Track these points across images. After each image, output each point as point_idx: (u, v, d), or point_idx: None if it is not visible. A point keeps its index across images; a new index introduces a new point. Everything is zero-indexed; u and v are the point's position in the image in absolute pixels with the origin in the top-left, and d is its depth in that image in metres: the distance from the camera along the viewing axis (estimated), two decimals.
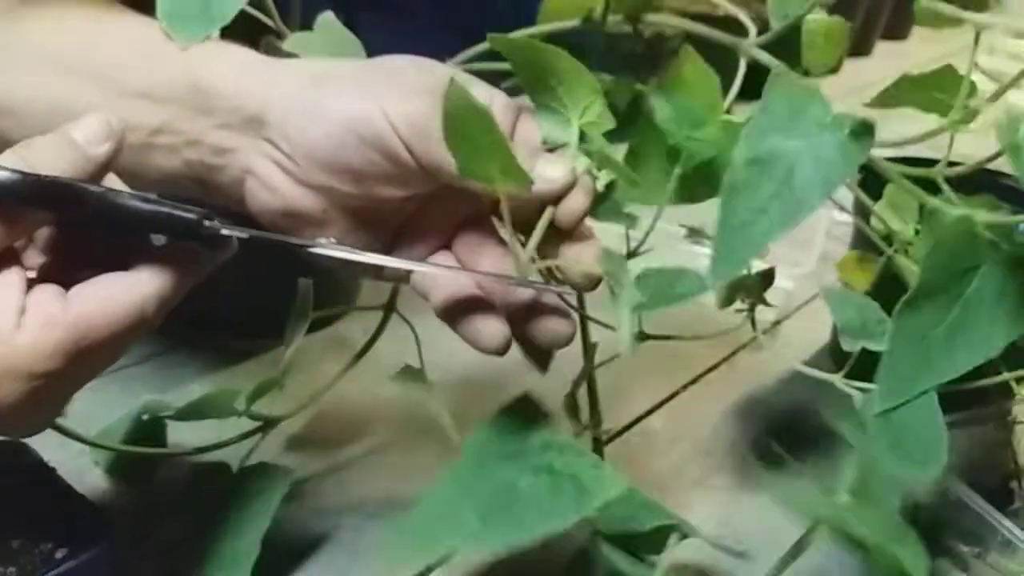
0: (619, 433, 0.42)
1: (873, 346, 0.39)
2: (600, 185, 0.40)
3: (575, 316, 0.38)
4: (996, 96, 0.41)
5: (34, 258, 0.33)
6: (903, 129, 0.43)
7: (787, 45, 0.47)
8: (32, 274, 0.32)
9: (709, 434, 0.55)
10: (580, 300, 0.41)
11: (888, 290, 0.44)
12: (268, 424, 0.43)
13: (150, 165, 0.38)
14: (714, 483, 0.52)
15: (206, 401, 0.42)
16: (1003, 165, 0.45)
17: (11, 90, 0.39)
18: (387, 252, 0.38)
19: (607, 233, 0.40)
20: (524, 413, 0.38)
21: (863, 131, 0.36)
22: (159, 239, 0.33)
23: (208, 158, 0.37)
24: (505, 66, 0.51)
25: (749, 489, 0.51)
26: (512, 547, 0.37)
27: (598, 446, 0.40)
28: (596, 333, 0.43)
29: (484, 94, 0.36)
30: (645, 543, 0.40)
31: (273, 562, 0.40)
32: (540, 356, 0.43)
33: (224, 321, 0.59)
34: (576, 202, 0.35)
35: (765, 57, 0.46)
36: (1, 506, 0.35)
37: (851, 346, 0.40)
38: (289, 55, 0.46)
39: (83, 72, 0.39)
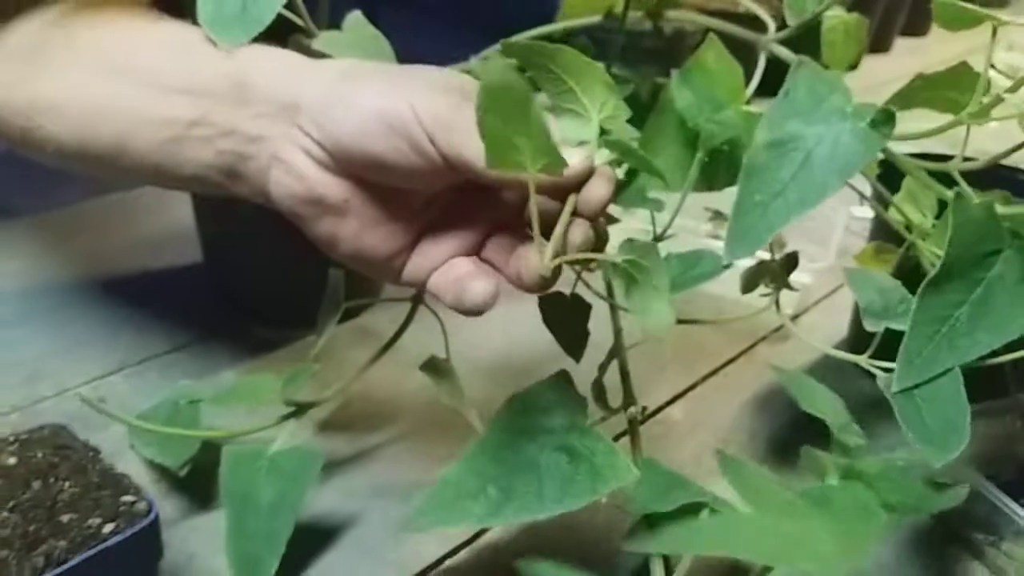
0: (642, 421, 0.42)
1: (895, 326, 0.39)
2: (621, 172, 0.41)
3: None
4: (1014, 89, 0.42)
5: None
6: (918, 127, 0.44)
7: (806, 42, 0.48)
8: None
9: (728, 424, 0.56)
10: (609, 288, 0.42)
11: (906, 280, 0.45)
12: (300, 409, 0.44)
13: (183, 157, 0.40)
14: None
15: (242, 387, 0.44)
16: (1017, 161, 0.46)
17: (60, 91, 0.42)
18: (409, 252, 0.39)
19: (632, 219, 0.41)
20: (553, 392, 0.39)
21: (883, 121, 0.37)
22: None
23: (240, 147, 0.39)
24: None
25: None
26: (530, 521, 0.38)
27: (633, 427, 0.41)
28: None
29: None
30: (679, 517, 0.41)
31: (306, 539, 0.42)
32: (573, 344, 0.44)
33: (255, 311, 0.60)
34: (598, 190, 0.36)
35: (784, 52, 0.47)
36: (51, 484, 0.36)
37: (874, 326, 0.41)
38: (318, 54, 0.47)
39: (123, 73, 0.41)
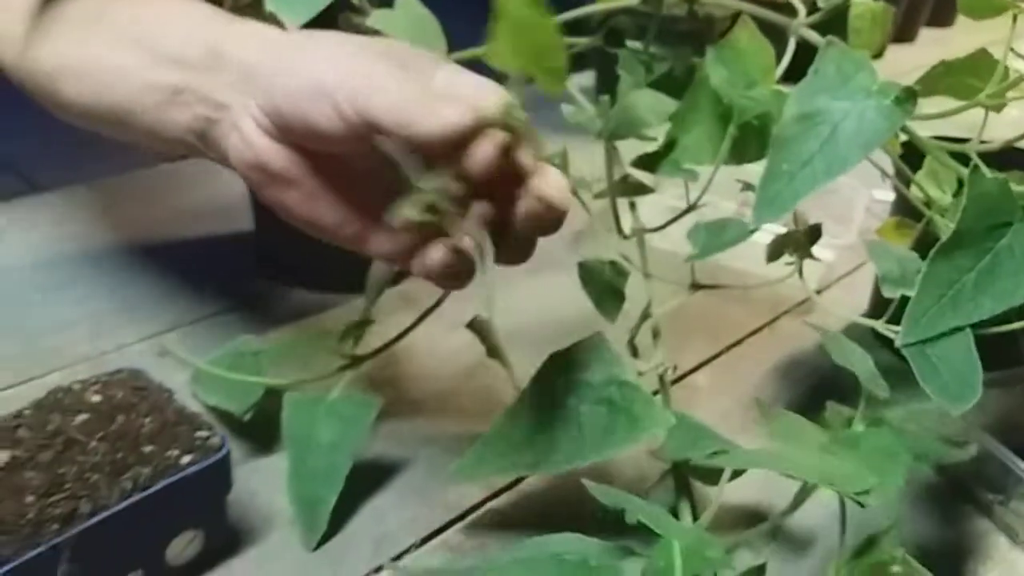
0: (673, 382, 0.45)
1: (911, 293, 0.42)
2: (659, 144, 0.43)
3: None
4: None
5: None
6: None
7: (834, 28, 0.51)
8: None
9: (751, 390, 0.59)
10: (642, 256, 0.45)
11: (924, 253, 0.48)
12: (355, 362, 0.47)
13: (169, 121, 0.43)
14: (755, 432, 0.55)
15: (300, 341, 0.47)
16: None
17: (86, 57, 0.45)
18: (362, 222, 0.40)
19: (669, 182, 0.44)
20: (592, 351, 0.42)
21: (906, 98, 0.40)
22: None
23: (211, 112, 0.41)
24: (568, 40, 0.55)
25: None
26: (573, 468, 0.41)
27: (664, 383, 0.44)
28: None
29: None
30: (704, 472, 0.44)
31: (358, 481, 0.45)
32: (609, 306, 0.47)
33: (301, 277, 0.64)
34: (482, 149, 0.35)
35: (813, 36, 0.50)
36: (133, 419, 0.39)
37: (891, 293, 0.43)
38: (370, 31, 0.50)
39: (129, 42, 0.44)
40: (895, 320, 0.44)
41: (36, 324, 0.57)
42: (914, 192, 0.53)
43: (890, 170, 0.56)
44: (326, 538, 0.43)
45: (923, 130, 0.47)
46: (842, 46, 0.40)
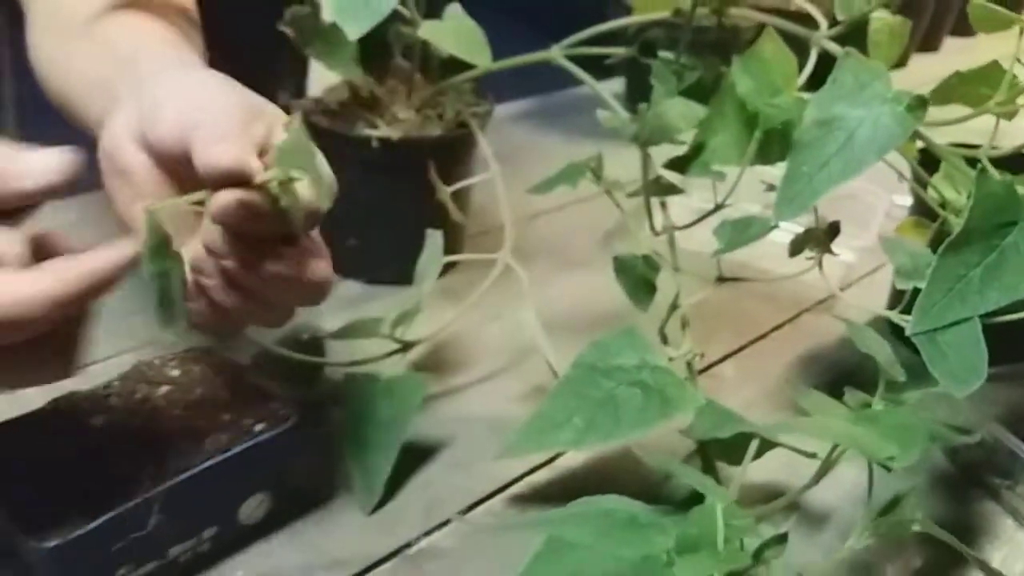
0: (701, 371, 0.49)
1: (923, 285, 0.45)
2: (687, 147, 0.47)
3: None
4: None
5: None
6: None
7: (854, 40, 0.54)
8: None
9: (774, 381, 0.62)
10: (672, 250, 0.48)
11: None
12: (405, 347, 0.51)
13: (98, 104, 0.47)
14: (779, 417, 0.59)
15: (356, 324, 0.51)
16: None
17: (88, 70, 0.51)
18: None
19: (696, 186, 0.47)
20: (626, 339, 0.46)
21: (917, 106, 0.43)
22: None
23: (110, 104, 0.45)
24: (606, 50, 0.59)
25: None
26: (611, 444, 0.45)
27: (691, 368, 0.47)
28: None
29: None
30: (728, 452, 0.47)
31: (408, 455, 0.49)
32: (641, 297, 0.51)
33: (350, 269, 0.68)
34: (224, 197, 0.37)
35: (834, 47, 0.53)
36: (210, 391, 0.44)
37: (904, 284, 0.47)
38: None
39: (107, 55, 0.50)
40: (909, 313, 0.48)
41: (108, 309, 0.62)
42: (930, 194, 0.56)
43: (908, 174, 0.59)
44: (381, 504, 0.47)
45: (942, 137, 0.51)
46: (859, 57, 0.43)
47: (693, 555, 0.36)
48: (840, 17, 0.51)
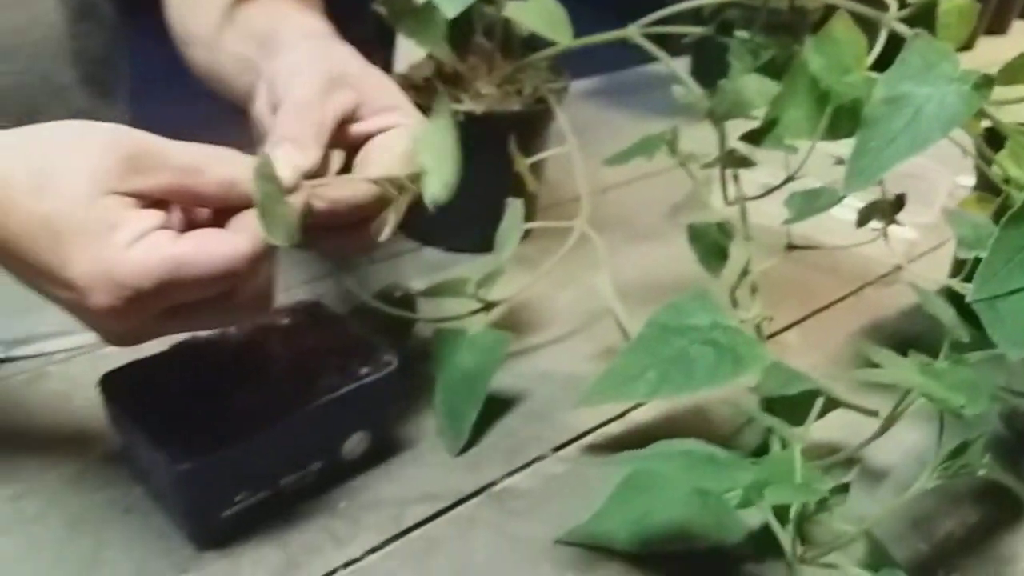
0: (769, 336, 0.52)
1: (984, 255, 0.48)
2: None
3: None
4: None
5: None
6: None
7: (923, 22, 0.56)
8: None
9: (837, 349, 0.65)
10: (743, 219, 0.51)
11: None
12: (488, 305, 0.55)
13: (245, 80, 0.54)
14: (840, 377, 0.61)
15: (444, 284, 0.55)
16: None
17: (235, 52, 0.58)
18: None
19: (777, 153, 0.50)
20: (698, 301, 0.49)
21: (983, 84, 0.45)
22: None
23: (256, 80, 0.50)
24: (684, 29, 0.62)
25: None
26: (683, 396, 0.48)
27: (760, 331, 0.50)
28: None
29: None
30: (792, 410, 0.50)
31: (491, 403, 0.53)
32: (713, 262, 0.54)
33: (429, 237, 0.72)
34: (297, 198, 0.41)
35: (903, 29, 0.55)
36: (320, 339, 0.48)
37: (966, 254, 0.49)
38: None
39: (249, 38, 0.57)
40: (970, 282, 0.50)
41: None
42: (994, 171, 0.58)
43: (973, 152, 0.61)
44: (466, 448, 0.51)
45: (1008, 116, 0.52)
46: (928, 37, 0.45)
47: (778, 485, 0.39)
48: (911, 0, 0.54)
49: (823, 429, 0.49)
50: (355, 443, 0.48)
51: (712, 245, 0.53)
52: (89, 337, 0.47)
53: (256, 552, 0.44)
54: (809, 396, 0.49)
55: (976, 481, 0.49)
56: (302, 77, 0.45)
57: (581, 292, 0.66)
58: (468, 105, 0.64)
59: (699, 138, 0.59)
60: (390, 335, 0.54)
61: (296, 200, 0.40)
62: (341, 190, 0.43)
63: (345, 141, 0.46)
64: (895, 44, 0.50)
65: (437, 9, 0.52)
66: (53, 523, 0.45)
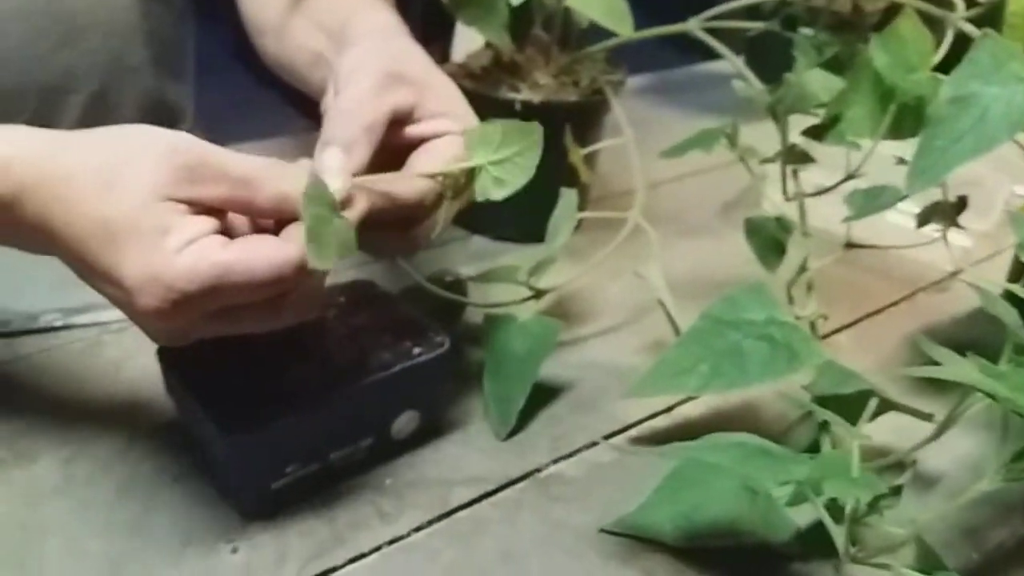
0: (823, 336, 0.51)
1: None
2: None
3: None
4: None
5: None
6: None
7: (989, 23, 0.55)
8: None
9: (889, 352, 0.64)
10: (802, 216, 0.51)
11: None
12: (539, 293, 0.56)
13: (317, 75, 0.56)
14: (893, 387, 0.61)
15: (496, 271, 0.56)
16: None
17: (305, 45, 0.60)
18: None
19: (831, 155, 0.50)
20: (753, 295, 0.49)
21: None
22: None
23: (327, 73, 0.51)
24: (746, 24, 0.62)
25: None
26: (734, 391, 0.47)
27: (815, 328, 0.50)
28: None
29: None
30: (846, 411, 0.49)
31: (539, 390, 0.53)
32: (770, 258, 0.53)
33: (478, 226, 0.72)
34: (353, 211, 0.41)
35: (970, 28, 0.55)
36: (373, 317, 0.48)
37: None
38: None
39: (317, 26, 0.59)
40: None
41: None
42: None
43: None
44: (513, 433, 0.52)
45: None
46: (997, 37, 0.45)
47: (837, 480, 0.38)
48: None
49: (873, 432, 0.48)
50: (405, 422, 0.48)
51: (770, 240, 0.53)
52: None
53: (303, 525, 0.45)
54: (863, 396, 0.49)
55: None
56: (358, 74, 0.46)
57: (631, 284, 0.66)
58: (526, 94, 0.65)
59: (753, 137, 0.58)
60: (440, 319, 0.55)
61: (352, 214, 0.41)
62: (396, 185, 0.43)
63: (399, 142, 0.46)
64: (961, 45, 0.49)
65: None
66: (103, 487, 0.46)
